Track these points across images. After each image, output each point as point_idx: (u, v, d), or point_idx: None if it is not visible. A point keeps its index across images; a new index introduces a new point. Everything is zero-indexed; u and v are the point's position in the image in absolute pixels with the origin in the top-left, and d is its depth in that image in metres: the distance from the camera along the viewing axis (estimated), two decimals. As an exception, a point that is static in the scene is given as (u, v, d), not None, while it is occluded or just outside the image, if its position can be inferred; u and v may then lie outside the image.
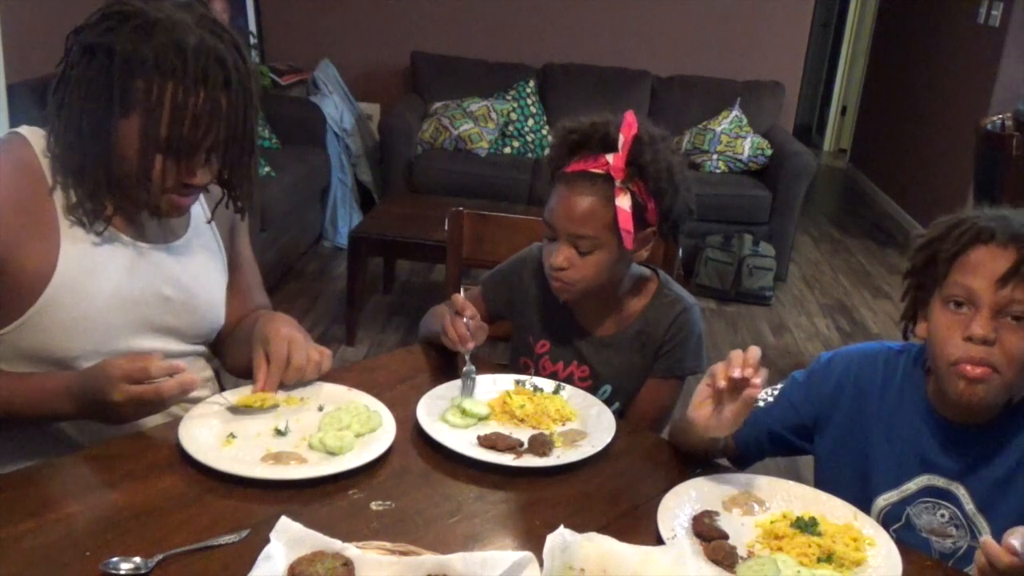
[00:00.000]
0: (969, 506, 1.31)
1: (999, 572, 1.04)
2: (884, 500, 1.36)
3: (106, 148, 1.29)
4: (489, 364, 1.68)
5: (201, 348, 1.54)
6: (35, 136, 1.37)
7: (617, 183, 1.52)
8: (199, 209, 1.51)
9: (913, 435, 1.35)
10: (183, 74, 1.25)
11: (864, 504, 1.33)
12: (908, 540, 1.31)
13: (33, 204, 1.31)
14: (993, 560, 1.04)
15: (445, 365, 1.63)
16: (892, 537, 1.22)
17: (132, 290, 1.39)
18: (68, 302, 1.31)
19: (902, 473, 1.35)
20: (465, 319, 1.52)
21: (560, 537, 1.06)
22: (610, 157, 1.52)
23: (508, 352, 1.82)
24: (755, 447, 1.45)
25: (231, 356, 1.59)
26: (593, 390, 1.67)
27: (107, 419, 1.26)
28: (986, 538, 1.07)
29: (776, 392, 1.48)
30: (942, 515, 1.32)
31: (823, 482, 1.41)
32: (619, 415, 1.69)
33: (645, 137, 1.54)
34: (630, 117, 1.54)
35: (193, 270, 1.48)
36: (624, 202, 1.52)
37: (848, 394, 1.41)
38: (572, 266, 1.56)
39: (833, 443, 1.42)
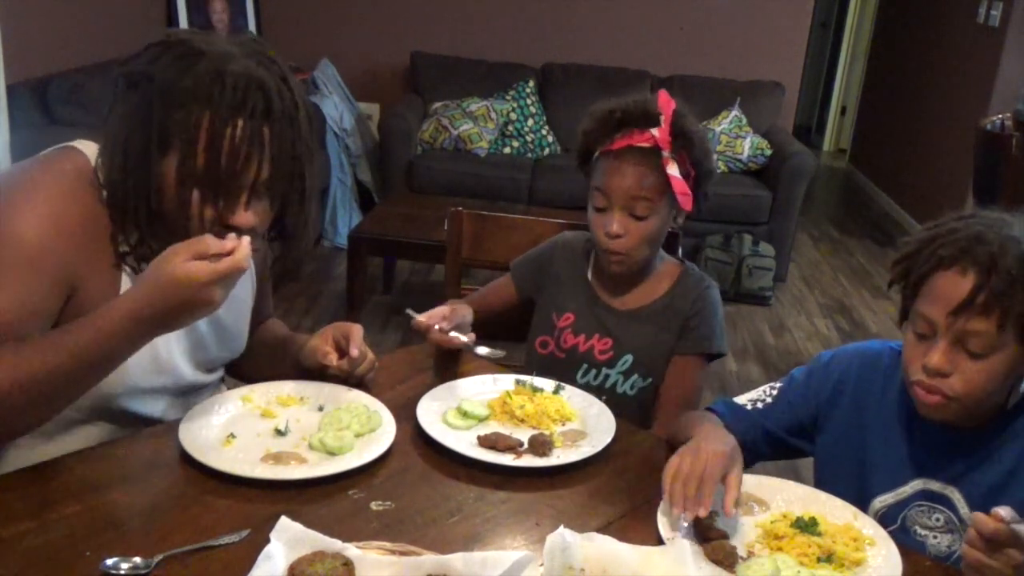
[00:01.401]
0: (964, 510, 1.30)
1: (984, 540, 1.05)
2: (880, 502, 1.36)
3: (146, 184, 1.22)
4: (492, 364, 1.68)
5: (219, 374, 1.52)
6: (92, 151, 1.29)
7: (665, 154, 1.60)
8: None
9: (909, 438, 1.35)
10: (220, 101, 1.19)
11: (861, 506, 1.33)
12: (904, 542, 1.31)
13: (97, 230, 1.26)
14: (980, 527, 1.05)
15: (445, 365, 1.63)
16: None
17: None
18: None
19: (898, 476, 1.35)
20: (446, 331, 1.53)
21: (560, 537, 1.06)
22: (655, 131, 1.61)
23: (519, 348, 1.83)
24: (752, 449, 1.45)
25: (246, 365, 1.58)
26: (614, 361, 1.71)
27: (194, 313, 1.16)
28: (976, 512, 1.07)
29: (775, 392, 1.47)
30: (937, 519, 1.32)
31: (822, 483, 1.40)
32: (638, 397, 1.73)
33: (682, 110, 1.64)
34: (664, 95, 1.63)
35: (227, 301, 1.46)
36: (674, 170, 1.61)
37: (848, 394, 1.41)
38: (628, 232, 1.63)
39: (832, 443, 1.42)
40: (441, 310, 1.57)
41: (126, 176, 1.23)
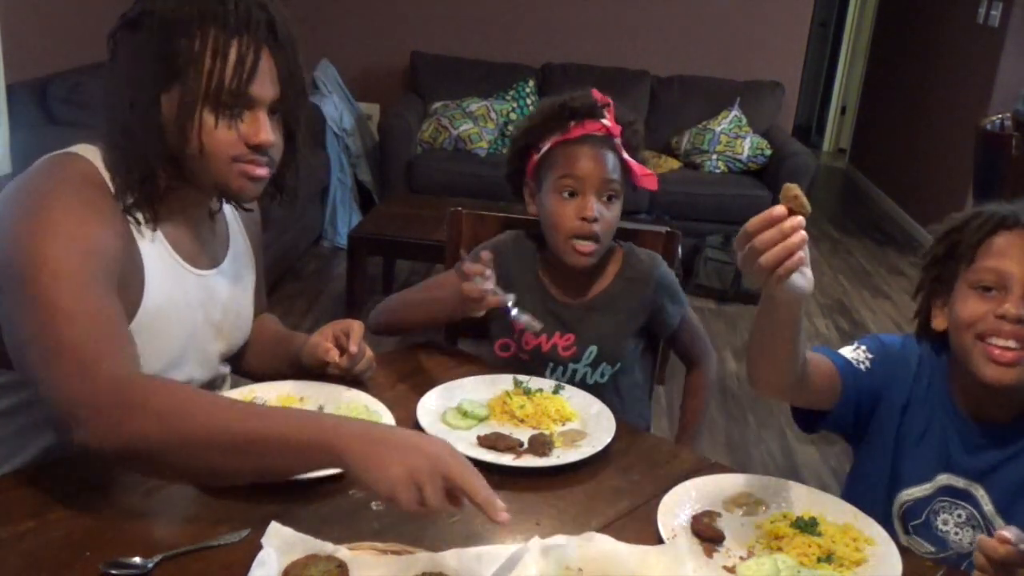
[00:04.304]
0: (988, 507, 1.30)
1: (996, 564, 1.05)
2: (907, 495, 1.36)
3: (157, 124, 1.21)
4: (487, 363, 1.68)
5: (228, 368, 1.52)
6: (93, 154, 1.25)
7: (617, 140, 1.67)
8: (236, 226, 1.49)
9: (936, 433, 1.34)
10: (225, 19, 1.19)
11: (891, 498, 1.34)
12: (926, 537, 1.31)
13: (123, 232, 1.23)
14: (988, 552, 1.05)
15: (445, 365, 1.63)
16: (901, 539, 1.21)
17: (195, 320, 1.36)
18: (144, 337, 1.24)
19: (925, 470, 1.35)
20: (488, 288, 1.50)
21: (539, 544, 1.04)
22: (605, 121, 1.66)
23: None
24: (842, 417, 1.37)
25: (246, 359, 1.58)
26: (579, 356, 1.72)
27: (405, 451, 1.01)
28: (981, 536, 1.07)
29: (870, 357, 1.39)
30: (959, 515, 1.32)
31: (856, 473, 1.41)
32: (612, 382, 1.75)
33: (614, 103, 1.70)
34: (597, 92, 1.68)
35: (235, 292, 1.45)
36: (626, 155, 1.68)
37: (905, 382, 1.38)
38: (601, 216, 1.64)
39: (876, 433, 1.40)
40: (485, 261, 1.50)
41: (134, 121, 1.21)
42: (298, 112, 1.31)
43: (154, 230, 1.29)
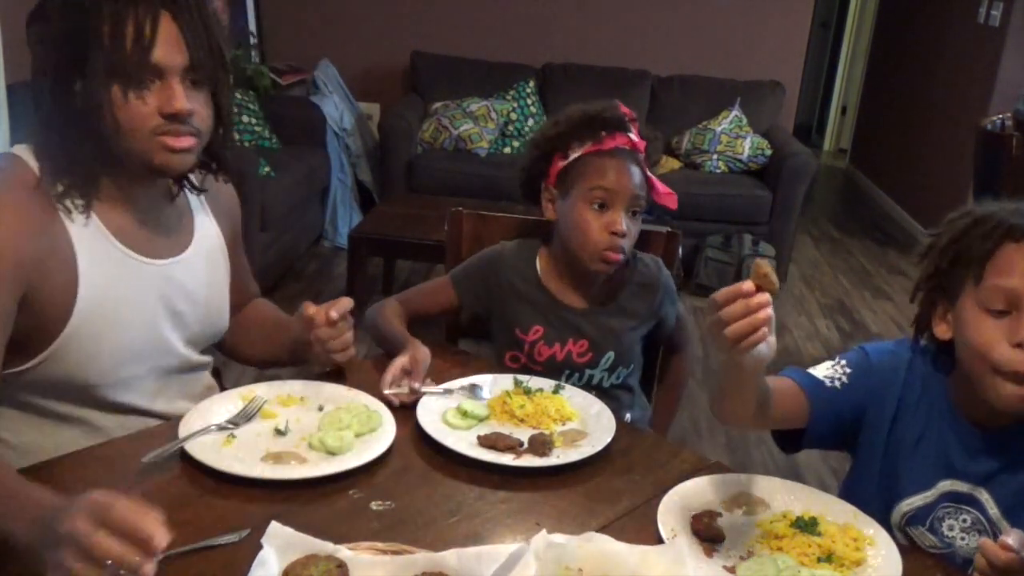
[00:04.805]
0: (993, 511, 1.29)
1: (998, 570, 1.04)
2: (908, 504, 1.34)
3: (73, 108, 1.22)
4: (492, 364, 1.68)
5: (208, 359, 1.52)
6: (25, 150, 1.28)
7: (642, 156, 1.68)
8: (204, 213, 1.48)
9: (937, 439, 1.33)
10: None
11: (889, 507, 1.33)
12: (932, 543, 1.31)
13: (47, 229, 1.24)
14: (990, 558, 1.04)
15: (445, 365, 1.63)
16: (902, 540, 1.20)
17: (151, 311, 1.36)
18: (91, 332, 1.27)
19: (926, 479, 1.33)
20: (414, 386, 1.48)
21: (543, 540, 1.04)
22: (632, 135, 1.67)
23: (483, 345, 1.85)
24: (819, 433, 1.36)
25: (243, 347, 1.59)
26: (596, 361, 1.72)
27: (42, 549, 0.91)
28: (983, 539, 1.07)
29: (848, 371, 1.37)
30: (964, 520, 1.31)
31: (853, 483, 1.40)
32: (624, 383, 1.77)
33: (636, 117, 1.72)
34: (620, 104, 1.69)
35: (202, 280, 1.45)
36: (648, 171, 1.69)
37: (892, 392, 1.37)
38: (628, 231, 1.65)
39: (869, 444, 1.38)
40: (400, 363, 1.48)
41: (52, 112, 1.24)
42: (217, 76, 1.29)
43: (87, 217, 1.28)
